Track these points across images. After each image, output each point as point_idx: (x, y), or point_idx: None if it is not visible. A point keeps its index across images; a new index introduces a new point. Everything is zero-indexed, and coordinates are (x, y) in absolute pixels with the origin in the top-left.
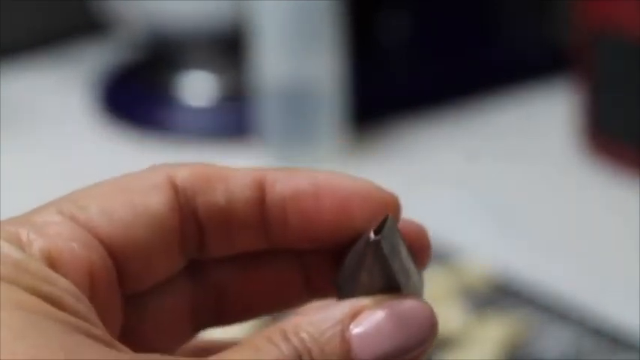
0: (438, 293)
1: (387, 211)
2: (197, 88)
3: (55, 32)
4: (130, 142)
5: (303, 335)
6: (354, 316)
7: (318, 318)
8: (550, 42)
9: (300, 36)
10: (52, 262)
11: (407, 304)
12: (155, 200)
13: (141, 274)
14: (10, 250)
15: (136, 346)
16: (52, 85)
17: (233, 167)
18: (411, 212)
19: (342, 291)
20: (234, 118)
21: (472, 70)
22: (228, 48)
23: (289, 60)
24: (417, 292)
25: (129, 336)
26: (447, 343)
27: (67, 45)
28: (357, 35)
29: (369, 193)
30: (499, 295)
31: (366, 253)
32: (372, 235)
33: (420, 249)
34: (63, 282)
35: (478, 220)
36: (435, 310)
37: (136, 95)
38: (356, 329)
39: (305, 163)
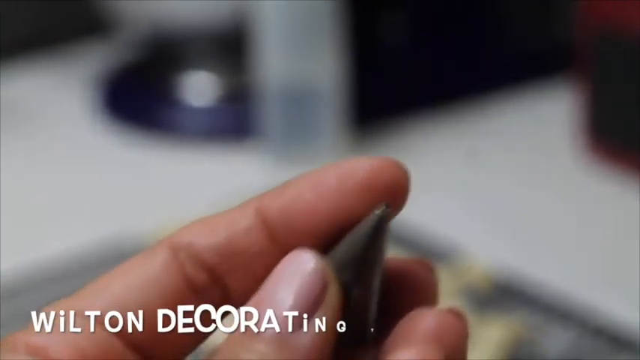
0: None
1: (389, 194)
2: (199, 88)
3: (55, 32)
4: (131, 143)
5: None
6: None
7: None
8: (551, 43)
9: (301, 36)
10: None
11: None
12: (153, 267)
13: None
14: None
15: None
16: (53, 85)
17: (225, 211)
18: (412, 212)
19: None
20: (235, 119)
21: (473, 70)
22: (229, 48)
23: (290, 60)
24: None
25: None
26: None
27: (67, 45)
28: (357, 35)
29: (367, 175)
30: (499, 295)
31: (370, 229)
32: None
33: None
34: None
35: (478, 220)
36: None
37: (138, 95)
38: None
39: (306, 162)
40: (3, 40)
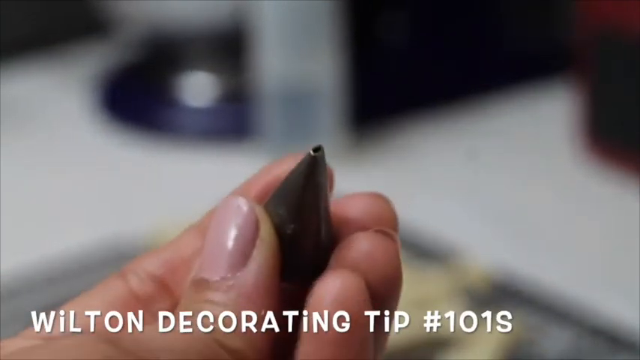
0: (438, 293)
1: None
2: (197, 88)
3: (55, 32)
4: (130, 143)
5: None
6: None
7: None
8: (551, 43)
9: (300, 36)
10: None
11: None
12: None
13: None
14: None
15: None
16: (52, 85)
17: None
18: (412, 212)
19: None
20: (234, 119)
21: (472, 70)
22: (228, 48)
23: (289, 60)
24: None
25: None
26: (447, 343)
27: (67, 45)
28: (357, 35)
29: None
30: (499, 295)
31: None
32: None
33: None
34: None
35: (478, 220)
36: (435, 310)
37: (137, 96)
38: None
39: None
40: (3, 40)
